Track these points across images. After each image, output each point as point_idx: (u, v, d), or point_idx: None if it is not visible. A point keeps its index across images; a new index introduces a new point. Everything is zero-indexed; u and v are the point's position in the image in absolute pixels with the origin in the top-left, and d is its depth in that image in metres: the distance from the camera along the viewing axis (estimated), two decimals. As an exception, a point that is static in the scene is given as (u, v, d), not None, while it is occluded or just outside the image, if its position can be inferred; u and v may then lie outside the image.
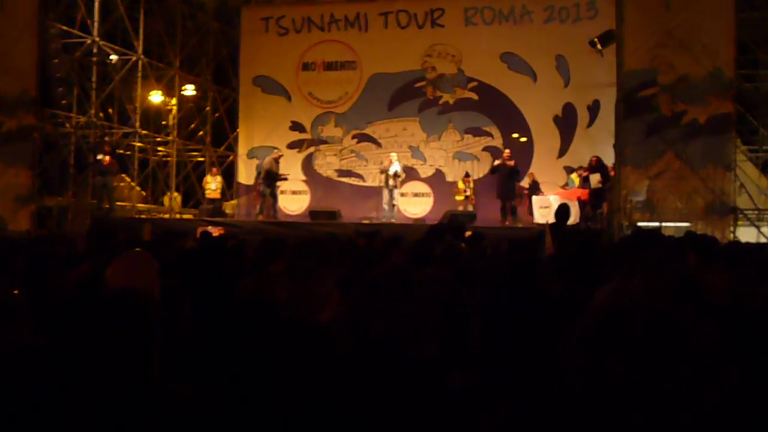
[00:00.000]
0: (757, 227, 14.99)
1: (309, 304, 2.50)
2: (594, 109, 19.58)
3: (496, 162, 17.53)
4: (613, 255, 5.84)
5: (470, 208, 18.30)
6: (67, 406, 2.28)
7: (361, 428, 1.68)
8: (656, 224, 14.11)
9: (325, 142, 21.84)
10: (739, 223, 14.74)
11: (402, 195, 20.37)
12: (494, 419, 1.76)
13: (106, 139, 18.22)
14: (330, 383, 1.78)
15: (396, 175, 17.98)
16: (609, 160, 16.32)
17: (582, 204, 16.58)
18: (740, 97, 16.23)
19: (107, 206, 17.28)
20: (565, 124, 19.90)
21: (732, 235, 14.28)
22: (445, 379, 1.84)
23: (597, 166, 16.39)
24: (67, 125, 18.73)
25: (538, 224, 16.71)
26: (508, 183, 17.14)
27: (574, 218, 14.24)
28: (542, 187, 19.02)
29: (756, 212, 15.64)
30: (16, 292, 2.62)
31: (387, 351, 1.76)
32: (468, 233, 10.34)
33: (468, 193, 18.79)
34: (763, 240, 14.37)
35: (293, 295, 2.56)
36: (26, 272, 5.24)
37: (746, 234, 14.83)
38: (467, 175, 19.50)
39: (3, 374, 2.36)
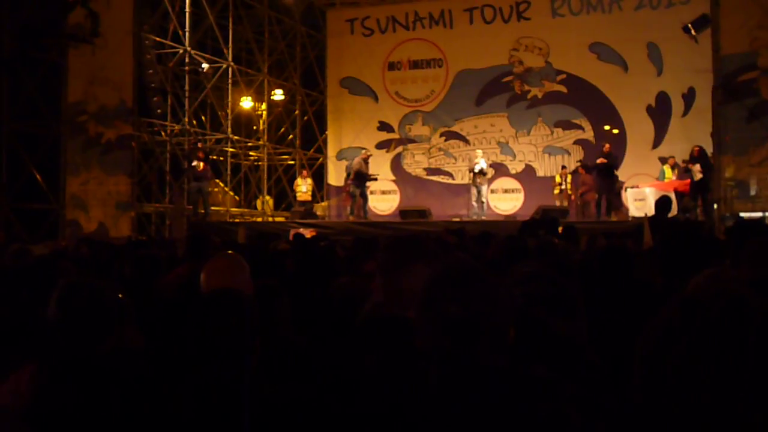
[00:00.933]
0: None
1: (403, 300, 2.48)
2: (689, 97, 18.96)
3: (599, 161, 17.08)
4: (715, 246, 5.63)
5: (566, 203, 17.95)
6: (168, 404, 2.33)
7: (446, 417, 1.67)
8: (759, 214, 13.56)
9: (413, 140, 21.86)
10: None
11: (492, 192, 20.21)
12: (578, 414, 1.72)
13: (200, 145, 18.68)
14: (413, 375, 1.77)
15: (482, 173, 17.84)
16: (708, 149, 15.77)
17: (680, 196, 16.06)
18: None
19: (202, 211, 17.69)
20: (659, 113, 19.34)
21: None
22: (529, 369, 1.81)
23: (699, 156, 15.85)
24: (163, 133, 19.32)
25: (634, 217, 16.30)
26: (605, 177, 16.75)
27: (672, 211, 13.82)
28: (636, 179, 18.54)
29: None
30: (121, 295, 2.69)
31: (462, 335, 1.76)
32: (560, 228, 10.15)
33: (564, 187, 18.43)
34: None
35: (387, 292, 2.54)
36: (130, 275, 5.43)
37: None
38: (564, 167, 19.12)
39: (115, 376, 2.42)
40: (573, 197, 18.24)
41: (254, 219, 21.23)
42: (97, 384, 2.37)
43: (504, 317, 1.81)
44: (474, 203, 18.08)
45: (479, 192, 17.97)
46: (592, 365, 2.50)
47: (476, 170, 17.82)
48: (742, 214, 13.61)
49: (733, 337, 1.11)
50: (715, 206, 14.56)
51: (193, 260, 5.22)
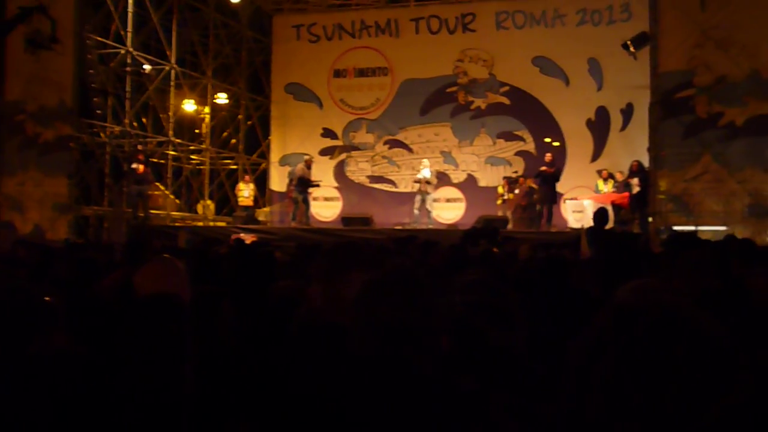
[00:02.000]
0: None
1: (342, 308, 2.47)
2: (628, 112, 19.38)
3: (541, 168, 17.35)
4: (649, 258, 5.76)
5: (508, 213, 18.17)
6: (101, 408, 2.28)
7: (371, 425, 1.66)
8: (692, 228, 13.89)
9: (357, 148, 21.88)
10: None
11: (435, 200, 20.36)
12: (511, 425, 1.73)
13: (140, 148, 18.41)
14: (344, 380, 1.77)
15: (427, 182, 18.00)
16: (645, 163, 16.15)
17: (617, 208, 16.40)
18: (779, 98, 15.96)
19: (142, 215, 17.43)
20: (599, 127, 19.72)
21: (770, 238, 14.03)
22: (458, 380, 1.82)
23: (637, 170, 16.23)
24: (103, 135, 18.97)
25: (572, 228, 16.60)
26: (549, 187, 17.03)
27: (609, 223, 14.08)
28: (575, 191, 18.86)
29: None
30: (47, 299, 2.62)
31: (393, 339, 1.76)
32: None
33: (506, 197, 18.65)
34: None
35: (325, 298, 2.54)
36: (66, 279, 5.31)
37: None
38: (506, 178, 19.35)
39: (39, 378, 2.37)
40: (518, 208, 18.46)
41: (195, 223, 20.96)
42: (22, 385, 2.32)
43: (437, 325, 1.81)
44: (416, 211, 18.21)
45: (424, 200, 18.12)
46: (530, 374, 2.53)
47: (420, 178, 18.02)
48: (676, 228, 13.92)
49: (665, 346, 1.12)
50: (651, 219, 14.88)
51: (131, 264, 5.13)
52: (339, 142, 22.00)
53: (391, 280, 1.87)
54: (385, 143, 21.65)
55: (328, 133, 22.10)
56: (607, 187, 17.66)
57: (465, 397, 1.73)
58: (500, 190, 18.98)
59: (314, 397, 1.79)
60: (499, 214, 18.16)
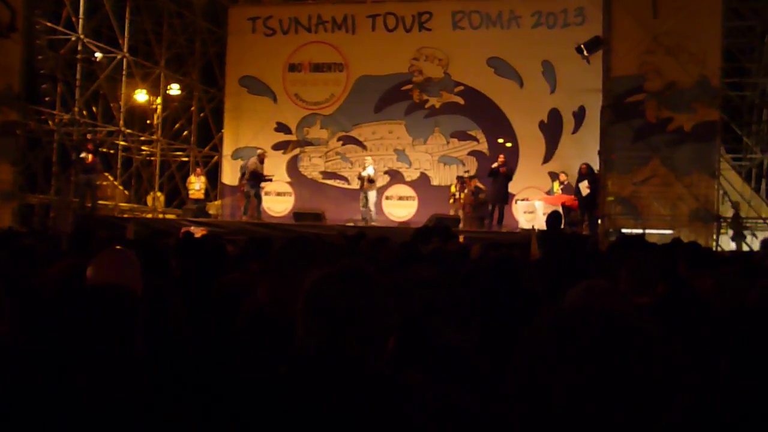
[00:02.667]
0: (740, 235, 15.07)
1: (292, 303, 2.46)
2: (580, 115, 19.62)
3: (493, 166, 17.50)
4: (597, 260, 5.84)
5: (460, 212, 18.27)
6: (48, 402, 2.23)
7: (316, 416, 1.66)
8: (640, 231, 14.14)
9: (310, 143, 21.79)
10: (722, 230, 14.81)
11: (387, 198, 20.45)
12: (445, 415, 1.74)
13: (89, 137, 18.09)
14: (288, 372, 1.76)
15: (369, 180, 18.08)
16: (595, 166, 16.38)
17: (567, 210, 16.61)
18: (725, 105, 16.33)
19: (89, 205, 17.15)
20: (551, 129, 19.94)
21: (715, 242, 14.35)
22: (401, 374, 1.83)
23: (587, 173, 16.43)
24: (51, 123, 18.59)
25: (523, 229, 16.77)
26: (502, 187, 17.16)
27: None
28: (527, 192, 19.05)
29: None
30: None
31: (340, 330, 1.77)
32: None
33: (458, 196, 18.75)
34: (745, 248, 14.45)
35: (276, 293, 2.52)
36: (6, 268, 5.18)
37: (729, 242, 14.92)
38: (458, 177, 19.44)
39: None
40: (467, 208, 18.55)
41: (144, 215, 20.68)
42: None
43: (385, 320, 1.81)
44: (362, 208, 18.26)
45: (367, 198, 18.17)
46: (480, 373, 2.55)
47: (363, 175, 18.08)
48: (624, 230, 14.16)
49: (604, 351, 1.11)
50: (600, 221, 15.10)
51: (77, 254, 5.04)
52: (293, 137, 21.88)
53: (343, 271, 1.87)
54: (339, 139, 21.60)
55: (281, 128, 21.96)
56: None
57: (408, 391, 1.73)
58: (452, 189, 19.08)
59: (258, 388, 1.79)
60: (451, 213, 18.26)
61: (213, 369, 2.26)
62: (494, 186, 17.28)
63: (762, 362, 2.49)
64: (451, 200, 18.88)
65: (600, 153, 15.58)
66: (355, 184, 19.88)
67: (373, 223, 17.85)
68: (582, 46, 16.48)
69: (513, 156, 19.61)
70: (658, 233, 13.98)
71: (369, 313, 1.77)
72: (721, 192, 14.87)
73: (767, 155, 19.79)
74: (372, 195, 18.42)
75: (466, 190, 18.39)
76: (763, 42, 20.04)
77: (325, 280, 1.83)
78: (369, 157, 19.27)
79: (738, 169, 19.88)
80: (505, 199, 17.34)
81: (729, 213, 15.39)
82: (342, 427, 1.64)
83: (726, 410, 2.33)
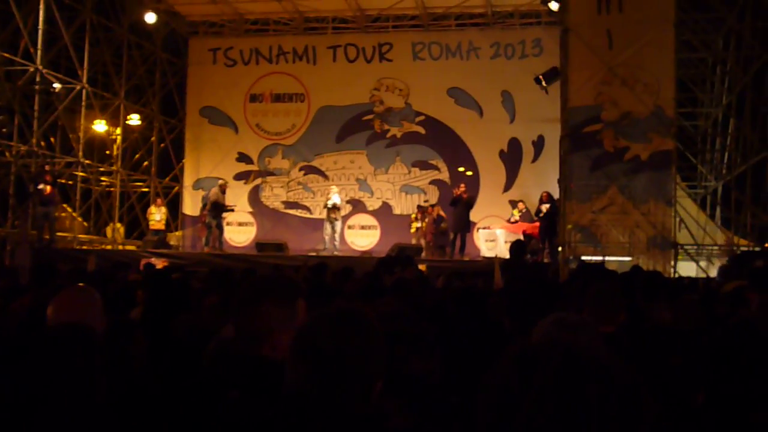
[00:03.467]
0: (696, 262, 15.33)
1: (258, 338, 2.45)
2: (539, 144, 19.90)
3: (455, 193, 17.62)
4: (558, 289, 5.90)
5: (422, 242, 18.32)
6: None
7: None
8: (600, 258, 14.30)
9: (272, 173, 21.76)
10: (680, 257, 15.04)
11: (349, 227, 20.45)
12: None
13: (48, 168, 17.84)
14: (276, 416, 1.75)
15: (335, 207, 18.10)
16: (555, 194, 16.56)
17: (528, 238, 16.76)
18: (680, 134, 16.69)
19: (48, 237, 16.88)
20: (511, 158, 20.18)
21: (672, 269, 14.56)
22: (388, 418, 1.83)
23: (547, 200, 16.62)
24: (8, 154, 18.33)
25: (485, 257, 16.87)
26: (461, 216, 17.25)
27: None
28: (488, 221, 19.19)
29: (695, 247, 16.00)
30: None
31: (334, 377, 1.76)
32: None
33: (419, 225, 18.80)
34: (702, 274, 14.68)
35: (240, 329, 2.51)
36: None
37: (686, 268, 15.15)
38: (419, 207, 19.51)
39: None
40: (429, 237, 18.58)
41: (104, 247, 20.41)
42: None
43: (376, 364, 1.82)
44: (325, 237, 18.24)
45: (333, 228, 18.16)
46: (446, 404, 2.56)
47: (329, 205, 18.09)
48: (584, 258, 14.31)
49: (566, 387, 1.13)
50: (560, 249, 15.25)
51: (38, 289, 4.97)
52: (254, 167, 21.84)
53: (338, 314, 1.87)
54: (301, 169, 21.61)
55: (243, 158, 21.92)
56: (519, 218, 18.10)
57: None
58: (413, 217, 19.12)
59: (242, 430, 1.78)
60: (413, 242, 18.31)
61: (184, 409, 2.24)
62: (456, 214, 17.38)
63: (735, 392, 2.54)
64: (413, 229, 18.94)
65: (559, 181, 15.77)
66: (318, 214, 19.88)
67: (336, 253, 17.82)
68: (540, 76, 16.75)
69: (474, 185, 19.78)
70: (617, 260, 14.15)
71: (360, 358, 1.77)
72: (677, 219, 15.13)
73: (721, 183, 20.22)
74: (338, 224, 18.43)
75: (427, 219, 18.46)
76: (714, 73, 20.58)
77: (318, 322, 1.83)
78: (334, 186, 19.31)
79: (693, 196, 20.27)
80: (466, 227, 17.44)
81: (686, 239, 15.65)
82: None
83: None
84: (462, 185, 17.77)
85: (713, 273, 14.26)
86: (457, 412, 2.59)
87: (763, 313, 3.39)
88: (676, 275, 14.10)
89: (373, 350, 1.82)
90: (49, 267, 6.03)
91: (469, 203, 17.48)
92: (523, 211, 17.94)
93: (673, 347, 2.57)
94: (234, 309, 2.54)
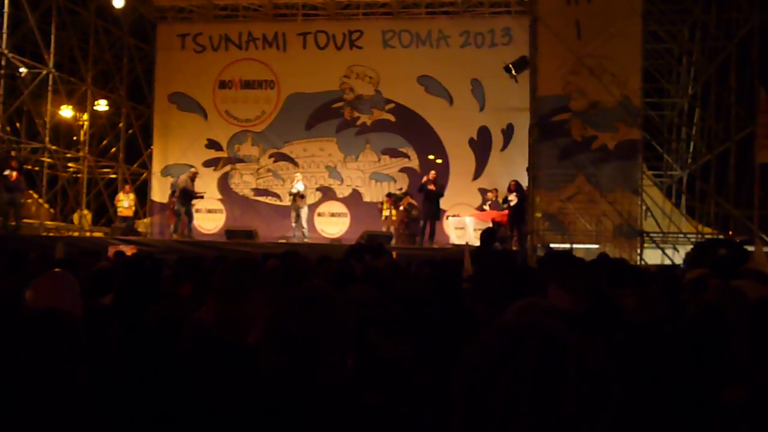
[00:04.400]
0: (662, 249, 15.56)
1: (238, 326, 2.49)
2: (508, 132, 20.03)
3: (423, 180, 17.69)
4: (528, 275, 6.00)
5: (392, 229, 18.38)
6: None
7: None
8: (567, 246, 14.48)
9: (241, 160, 21.68)
10: (646, 245, 15.26)
11: (319, 215, 20.47)
12: None
13: (13, 154, 17.63)
14: (253, 400, 1.79)
15: (300, 195, 18.15)
16: (523, 183, 16.70)
17: (497, 226, 16.89)
18: (646, 124, 16.90)
19: (13, 223, 16.69)
20: (481, 146, 20.29)
21: (639, 257, 14.78)
22: (361, 395, 1.89)
23: (515, 189, 16.75)
24: (-28, 139, 18.08)
25: (455, 245, 16.98)
26: (431, 204, 17.31)
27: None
28: (457, 209, 19.30)
29: (661, 235, 16.24)
30: None
31: (306, 358, 1.80)
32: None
33: (387, 214, 18.85)
34: (667, 262, 14.92)
35: (221, 317, 2.54)
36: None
37: (652, 256, 15.37)
38: (389, 195, 19.55)
39: None
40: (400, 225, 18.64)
41: (71, 234, 20.21)
42: None
43: (344, 343, 1.87)
44: (293, 225, 18.27)
45: (298, 215, 18.20)
46: (418, 387, 2.64)
47: (293, 192, 18.14)
48: (552, 245, 14.48)
49: (543, 364, 1.18)
50: (529, 237, 15.41)
51: (8, 276, 4.95)
52: (223, 154, 21.74)
53: (303, 296, 1.92)
54: (270, 156, 21.55)
55: (212, 145, 21.81)
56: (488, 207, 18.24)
57: (369, 411, 1.79)
58: (385, 206, 19.14)
59: (221, 413, 1.82)
60: (383, 229, 18.37)
61: (164, 394, 2.27)
62: (425, 203, 17.43)
63: (677, 379, 2.63)
64: (383, 217, 19.00)
65: (528, 170, 15.91)
66: (287, 201, 19.84)
67: (306, 240, 17.84)
68: (510, 65, 16.87)
69: (443, 172, 19.88)
70: (584, 248, 14.33)
71: (328, 336, 1.83)
72: (643, 208, 15.35)
73: (686, 172, 20.53)
74: (304, 212, 18.45)
75: (401, 207, 18.50)
76: (680, 64, 20.85)
77: (285, 304, 1.88)
78: (298, 174, 19.37)
79: (659, 185, 20.55)
80: (436, 215, 17.50)
81: (652, 227, 15.88)
82: None
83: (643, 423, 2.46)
84: (432, 173, 17.83)
85: (678, 261, 14.51)
86: (427, 394, 2.66)
87: (720, 295, 3.49)
88: (642, 263, 14.33)
89: (339, 327, 1.87)
90: (18, 254, 6.00)
91: (439, 192, 17.51)
92: (492, 200, 18.08)
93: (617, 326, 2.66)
94: (219, 294, 2.56)
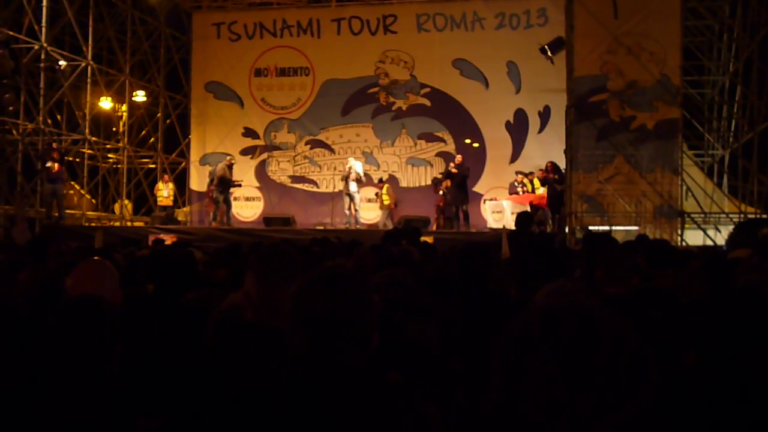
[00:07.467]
0: (704, 230, 15.34)
1: (279, 313, 2.49)
2: (545, 114, 19.84)
3: (450, 167, 17.60)
4: (566, 258, 5.95)
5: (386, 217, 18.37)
6: (29, 414, 2.26)
7: (305, 417, 1.71)
8: (606, 228, 14.34)
9: (278, 148, 21.78)
10: (686, 226, 15.06)
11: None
12: (436, 413, 1.81)
13: (55, 146, 17.89)
14: (278, 377, 1.81)
15: (359, 179, 18.03)
16: (561, 165, 16.53)
17: (534, 209, 16.78)
18: (686, 103, 16.62)
19: (56, 214, 16.97)
20: (517, 129, 20.13)
21: (679, 238, 14.58)
22: (385, 373, 1.89)
23: (552, 170, 16.59)
24: (15, 132, 18.38)
25: (492, 229, 16.90)
26: (459, 189, 17.20)
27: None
28: (495, 192, 19.21)
29: (702, 216, 16.00)
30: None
31: (330, 334, 1.81)
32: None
33: (387, 202, 18.84)
34: (709, 243, 14.71)
35: (261, 303, 2.54)
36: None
37: (693, 237, 15.17)
38: (381, 181, 19.47)
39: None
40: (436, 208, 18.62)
41: (112, 223, 20.52)
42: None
43: (368, 321, 1.88)
44: (346, 211, 18.20)
45: (352, 199, 18.07)
46: (443, 366, 2.63)
47: (352, 174, 17.92)
48: (590, 228, 14.34)
49: (588, 348, 1.17)
50: (567, 219, 15.28)
51: (36, 265, 5.01)
52: (260, 142, 21.86)
53: (327, 274, 1.93)
54: (307, 143, 21.62)
55: (249, 133, 21.94)
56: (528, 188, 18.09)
57: (392, 389, 1.80)
58: (384, 194, 19.14)
59: (250, 393, 1.83)
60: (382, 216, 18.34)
61: (198, 376, 2.29)
62: (452, 188, 17.32)
63: (724, 356, 2.59)
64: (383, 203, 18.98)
65: (565, 152, 15.76)
66: (324, 187, 19.92)
67: (359, 226, 17.81)
68: (545, 46, 16.67)
69: (480, 156, 19.79)
70: (624, 230, 14.19)
71: (352, 314, 1.83)
72: (684, 188, 15.13)
73: (728, 151, 20.17)
74: (357, 196, 18.32)
75: (440, 192, 18.45)
76: (720, 40, 20.44)
77: (309, 284, 1.89)
78: (351, 157, 19.26)
79: (700, 165, 20.24)
80: (464, 200, 17.28)
81: (693, 208, 15.65)
82: (332, 427, 1.70)
83: (689, 401, 2.43)
84: (459, 157, 17.72)
85: (721, 242, 14.29)
86: (455, 374, 2.66)
87: (762, 274, 3.42)
88: (684, 244, 14.14)
89: (363, 303, 1.88)
90: (44, 243, 6.11)
91: (464, 175, 17.29)
92: (521, 182, 17.94)
93: (655, 304, 2.62)
94: (257, 282, 2.56)
